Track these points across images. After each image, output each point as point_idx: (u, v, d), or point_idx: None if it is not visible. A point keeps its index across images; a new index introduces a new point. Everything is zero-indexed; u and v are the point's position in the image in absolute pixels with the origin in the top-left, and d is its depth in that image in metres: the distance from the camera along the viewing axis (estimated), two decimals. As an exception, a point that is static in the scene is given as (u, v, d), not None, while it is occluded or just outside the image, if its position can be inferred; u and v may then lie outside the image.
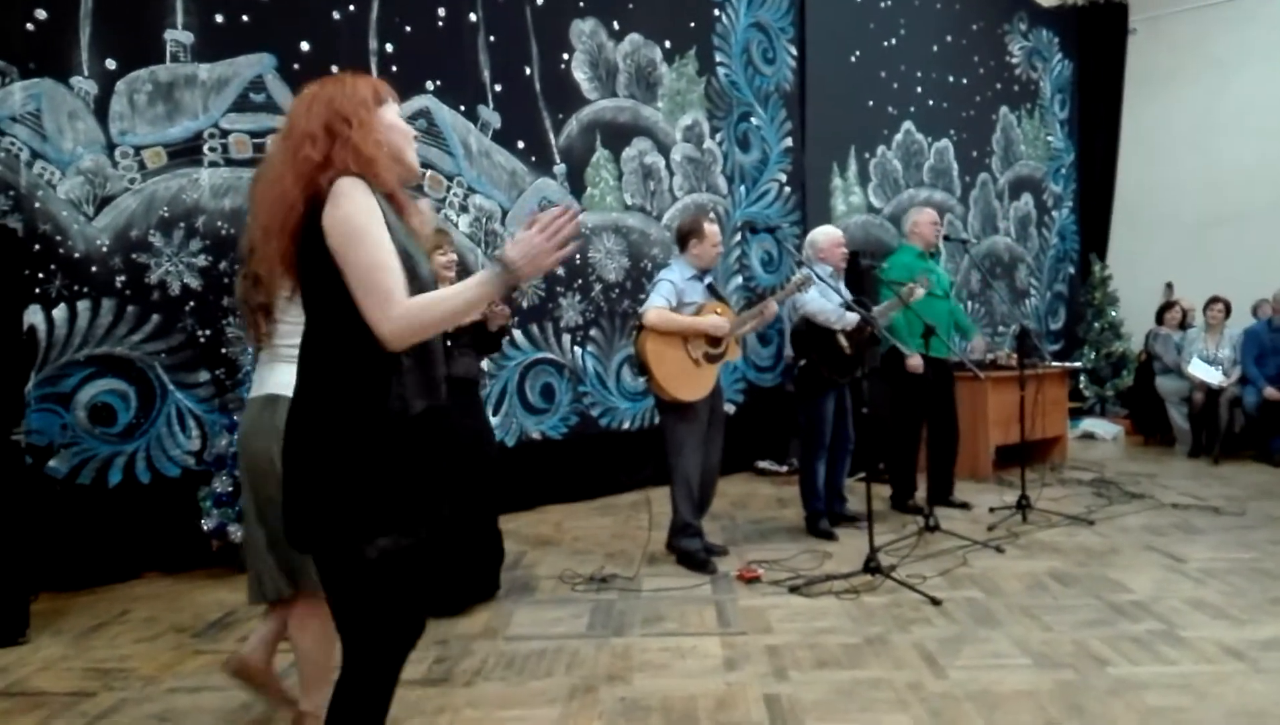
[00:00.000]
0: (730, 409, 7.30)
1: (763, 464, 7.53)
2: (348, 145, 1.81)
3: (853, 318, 5.02)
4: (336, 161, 1.80)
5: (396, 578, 1.85)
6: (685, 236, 4.75)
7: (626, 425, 6.84)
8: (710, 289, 4.77)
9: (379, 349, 1.76)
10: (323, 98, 1.87)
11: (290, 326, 2.66)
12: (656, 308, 4.52)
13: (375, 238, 1.75)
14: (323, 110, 1.85)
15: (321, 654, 2.76)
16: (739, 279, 7.64)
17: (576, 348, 6.55)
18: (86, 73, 4.56)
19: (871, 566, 4.28)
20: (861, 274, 6.08)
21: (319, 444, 1.79)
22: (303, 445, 1.81)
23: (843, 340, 5.10)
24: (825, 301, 5.04)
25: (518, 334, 6.20)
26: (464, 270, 3.56)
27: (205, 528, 4.46)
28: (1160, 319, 9.06)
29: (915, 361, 5.44)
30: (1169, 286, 9.79)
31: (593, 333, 6.63)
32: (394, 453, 1.80)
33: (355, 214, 1.75)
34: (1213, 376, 7.91)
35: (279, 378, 2.66)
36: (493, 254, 1.51)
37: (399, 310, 1.74)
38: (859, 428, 5.41)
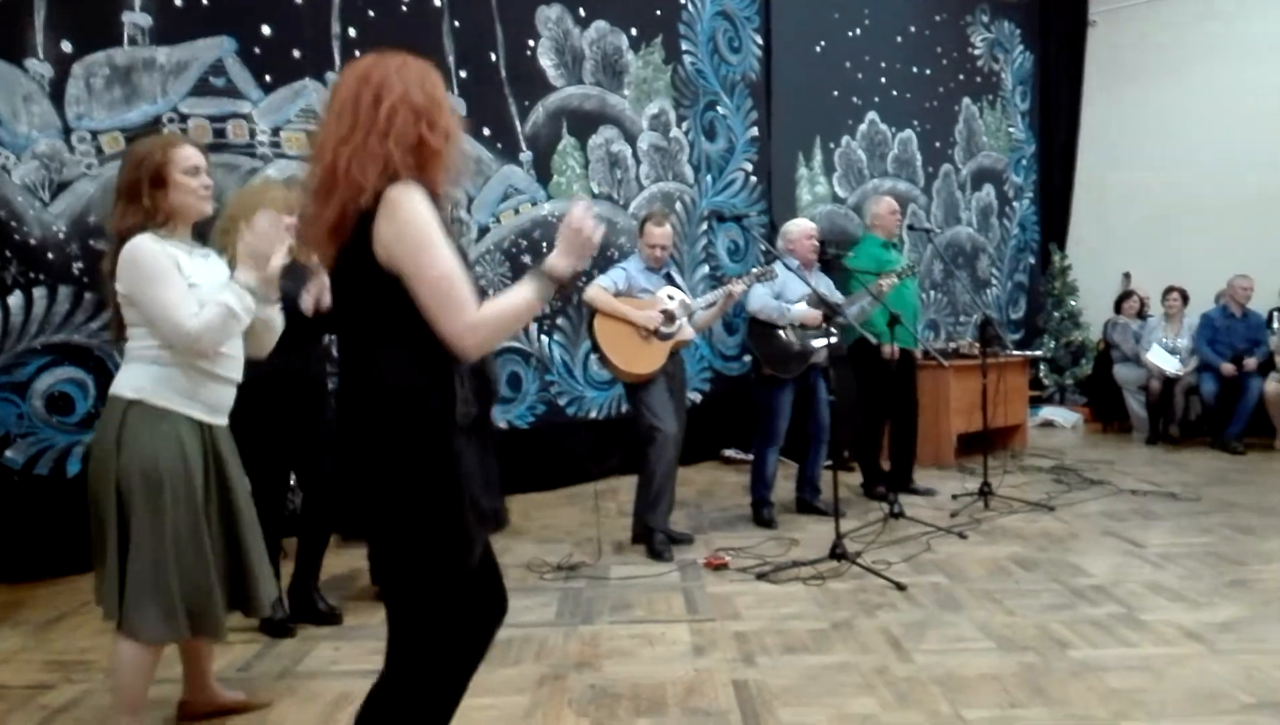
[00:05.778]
0: (696, 398, 7.33)
1: (729, 452, 7.54)
2: (446, 135, 1.76)
3: (799, 312, 5.06)
4: (431, 144, 1.74)
5: (473, 581, 1.86)
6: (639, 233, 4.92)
7: (594, 414, 6.83)
8: (668, 278, 4.85)
9: (441, 354, 1.71)
10: (414, 73, 1.77)
11: (137, 328, 2.54)
12: (598, 286, 4.70)
13: (441, 245, 1.69)
14: (417, 85, 1.76)
15: (136, 678, 2.53)
16: (705, 268, 7.64)
17: (544, 336, 6.53)
18: (42, 55, 4.45)
19: (837, 553, 4.32)
20: (827, 264, 6.11)
21: (396, 458, 1.71)
22: (378, 460, 1.73)
23: (790, 335, 5.12)
24: (767, 298, 5.09)
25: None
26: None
27: (166, 518, 4.40)
28: (1118, 308, 9.19)
29: (889, 349, 5.43)
30: (1126, 276, 9.93)
31: (560, 322, 6.61)
32: (467, 458, 1.75)
33: (418, 220, 1.68)
34: (1171, 364, 8.05)
35: (122, 377, 2.57)
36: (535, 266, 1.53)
37: (477, 319, 1.69)
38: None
